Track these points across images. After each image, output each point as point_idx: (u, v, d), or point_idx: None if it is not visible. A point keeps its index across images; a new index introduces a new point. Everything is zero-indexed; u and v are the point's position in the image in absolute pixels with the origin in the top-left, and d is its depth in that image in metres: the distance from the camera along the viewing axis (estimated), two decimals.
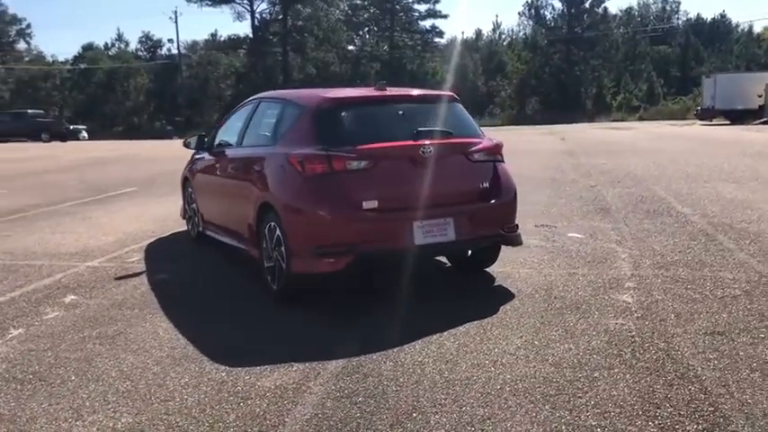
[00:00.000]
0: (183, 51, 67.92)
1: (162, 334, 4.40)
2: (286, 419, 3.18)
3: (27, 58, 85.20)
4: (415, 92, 5.47)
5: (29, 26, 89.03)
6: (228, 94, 66.19)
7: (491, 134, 5.63)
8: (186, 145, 7.37)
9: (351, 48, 72.32)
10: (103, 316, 4.81)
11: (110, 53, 70.50)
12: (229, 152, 6.29)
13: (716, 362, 3.71)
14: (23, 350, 4.18)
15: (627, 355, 3.84)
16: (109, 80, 64.98)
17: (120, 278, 5.86)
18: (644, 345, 4.00)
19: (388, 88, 5.31)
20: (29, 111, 42.88)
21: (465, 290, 5.35)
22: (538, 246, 6.73)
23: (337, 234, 4.61)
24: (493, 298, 4.98)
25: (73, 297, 5.31)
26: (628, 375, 3.57)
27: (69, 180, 14.73)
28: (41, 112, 45.10)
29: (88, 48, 70.30)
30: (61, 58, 73.93)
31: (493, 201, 5.09)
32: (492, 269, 5.76)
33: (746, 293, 4.92)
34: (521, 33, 72.28)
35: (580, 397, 3.34)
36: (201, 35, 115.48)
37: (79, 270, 6.17)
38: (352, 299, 5.14)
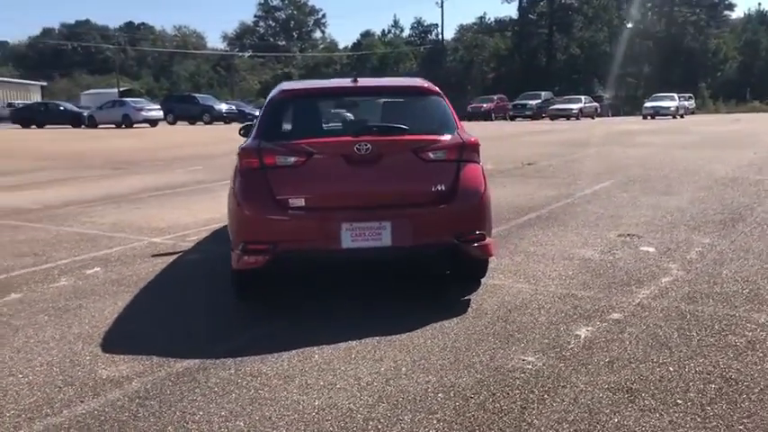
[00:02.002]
0: (452, 35, 69.74)
1: (100, 315, 4.71)
2: (64, 411, 3.26)
3: (321, 46, 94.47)
4: (384, 84, 5.10)
5: (324, 16, 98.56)
6: (490, 77, 66.54)
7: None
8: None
9: (629, 25, 67.80)
10: (85, 290, 5.29)
11: (385, 39, 75.04)
12: None
13: None
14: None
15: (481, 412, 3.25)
16: (381, 65, 69.28)
17: (155, 255, 6.37)
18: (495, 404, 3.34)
19: (360, 80, 5.01)
20: None
21: (419, 299, 4.87)
22: (585, 258, 5.86)
23: (258, 231, 4.51)
24: (438, 313, 4.48)
25: (97, 269, 5.92)
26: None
27: None
28: None
29: (366, 35, 75.76)
30: (342, 46, 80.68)
31: (443, 205, 4.55)
32: (486, 280, 5.17)
33: None
34: None
35: None
36: (470, 19, 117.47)
37: (136, 245, 6.84)
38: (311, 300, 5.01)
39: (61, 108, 40.85)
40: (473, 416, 3.12)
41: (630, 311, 4.47)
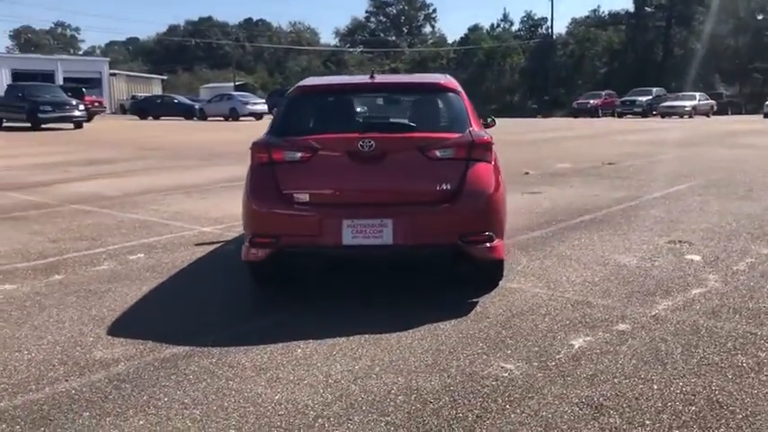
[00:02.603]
0: (565, 29, 67.74)
1: (122, 299, 4.95)
2: (46, 388, 3.47)
3: (431, 41, 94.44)
4: (399, 80, 5.05)
5: (434, 11, 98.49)
6: (601, 72, 64.21)
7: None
8: None
9: (759, 17, 63.37)
10: (120, 275, 5.57)
11: (493, 33, 73.94)
12: None
13: None
14: (28, 290, 5.15)
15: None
16: (487, 60, 68.36)
17: (198, 244, 6.63)
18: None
19: (377, 77, 4.98)
20: None
21: (424, 299, 4.76)
22: (620, 264, 5.58)
23: (264, 225, 4.60)
24: (438, 315, 4.38)
25: (139, 255, 6.23)
26: None
27: None
28: None
29: (473, 29, 74.95)
30: (450, 40, 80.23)
31: (447, 204, 4.46)
32: (504, 282, 5.03)
33: None
34: None
35: None
36: (583, 12, 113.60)
37: (186, 233, 7.13)
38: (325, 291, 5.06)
39: (175, 101, 43.15)
40: (424, 421, 3.06)
41: (641, 323, 4.22)
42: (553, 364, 3.64)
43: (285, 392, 3.37)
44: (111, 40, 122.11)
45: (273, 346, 3.95)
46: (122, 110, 53.13)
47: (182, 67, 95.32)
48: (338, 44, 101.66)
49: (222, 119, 38.03)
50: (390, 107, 4.89)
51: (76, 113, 27.92)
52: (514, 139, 19.74)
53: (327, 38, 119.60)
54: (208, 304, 4.84)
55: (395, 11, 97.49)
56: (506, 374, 3.52)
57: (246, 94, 44.13)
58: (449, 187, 4.47)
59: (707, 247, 6.15)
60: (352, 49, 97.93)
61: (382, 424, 3.04)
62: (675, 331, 4.07)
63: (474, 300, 4.70)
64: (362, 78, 4.97)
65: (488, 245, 4.51)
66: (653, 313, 4.40)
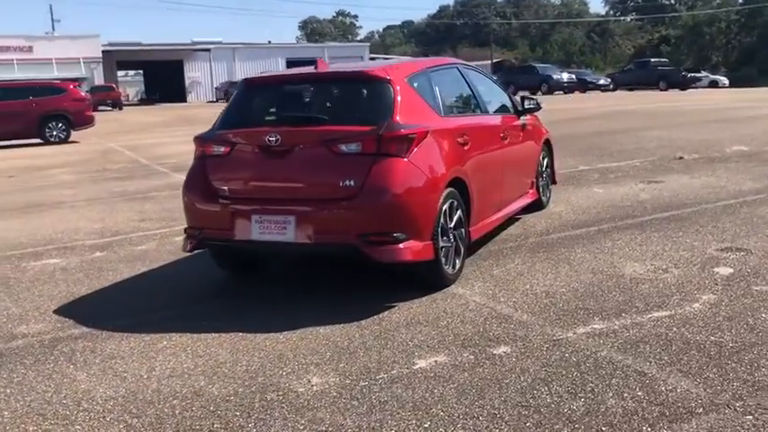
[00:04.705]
0: None
1: (113, 278, 5.47)
2: None
3: (717, 1, 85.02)
4: (331, 70, 4.74)
5: None
6: None
7: None
8: None
9: None
10: (146, 256, 6.06)
11: None
12: None
13: None
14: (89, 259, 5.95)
15: None
16: None
17: None
18: None
19: (320, 67, 4.81)
20: (651, 60, 43.87)
21: (354, 298, 4.53)
22: (621, 274, 4.75)
23: (191, 217, 4.77)
24: (343, 316, 4.19)
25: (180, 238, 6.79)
26: None
27: None
28: (664, 60, 45.49)
29: None
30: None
31: (347, 202, 4.19)
32: (456, 288, 4.62)
33: None
34: None
35: None
36: None
37: None
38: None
39: None
40: (144, 427, 3.02)
41: (531, 348, 3.61)
42: (365, 383, 3.32)
43: (97, 381, 3.53)
44: (387, 25, 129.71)
45: (146, 337, 4.10)
46: None
47: (449, 46, 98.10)
48: (608, 12, 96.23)
49: None
50: (322, 99, 4.70)
51: None
52: (738, 115, 17.18)
53: (597, 7, 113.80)
54: (179, 286, 5.20)
55: None
56: (303, 389, 3.30)
57: None
58: (352, 184, 4.21)
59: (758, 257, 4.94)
60: (621, 17, 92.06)
61: (115, 423, 3.06)
62: (555, 362, 3.42)
63: (392, 303, 4.40)
64: (303, 70, 4.84)
65: (392, 246, 4.18)
66: (562, 337, 3.73)
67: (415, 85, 4.71)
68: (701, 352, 3.44)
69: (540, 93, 38.80)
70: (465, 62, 6.22)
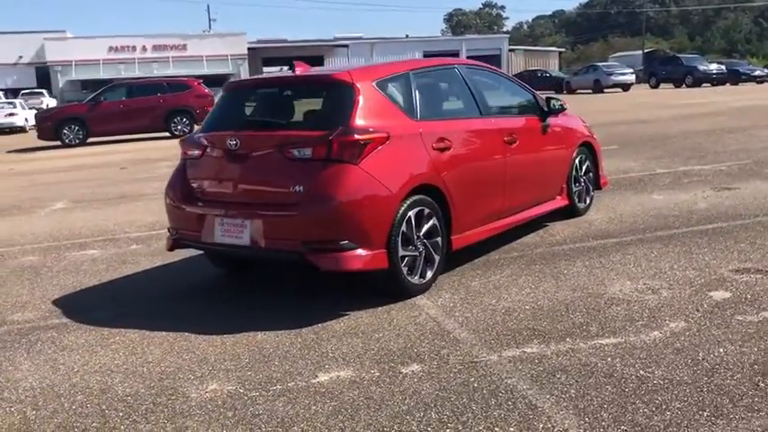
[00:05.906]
0: None
1: (123, 271, 5.81)
2: None
3: None
4: (300, 74, 4.66)
5: None
6: None
7: None
8: None
9: None
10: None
11: None
12: None
13: None
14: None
15: None
16: None
17: None
18: None
19: (297, 70, 4.79)
20: None
21: (324, 304, 4.49)
22: (602, 294, 4.39)
23: (170, 218, 4.96)
24: (295, 321, 4.21)
25: None
26: None
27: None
28: None
29: None
30: None
31: (292, 208, 4.16)
32: (420, 299, 4.48)
33: None
34: None
35: None
36: None
37: None
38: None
39: (546, 75, 43.31)
40: (69, 420, 3.19)
41: (445, 369, 3.43)
42: (255, 394, 3.31)
43: (33, 372, 3.77)
44: (537, 15, 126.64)
45: (105, 331, 4.32)
46: None
47: (600, 35, 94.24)
48: None
49: (590, 91, 36.79)
50: (289, 103, 4.68)
51: None
52: None
53: None
54: (160, 284, 5.42)
55: None
56: (195, 395, 3.35)
57: (614, 64, 41.39)
58: (300, 190, 4.19)
59: None
60: None
61: (17, 414, 3.27)
62: (453, 386, 3.23)
63: (346, 312, 4.34)
64: (279, 74, 4.85)
65: (337, 254, 4.11)
66: (483, 359, 3.51)
67: (387, 87, 4.58)
68: (615, 387, 3.11)
69: (684, 85, 36.25)
70: (476, 63, 5.93)
